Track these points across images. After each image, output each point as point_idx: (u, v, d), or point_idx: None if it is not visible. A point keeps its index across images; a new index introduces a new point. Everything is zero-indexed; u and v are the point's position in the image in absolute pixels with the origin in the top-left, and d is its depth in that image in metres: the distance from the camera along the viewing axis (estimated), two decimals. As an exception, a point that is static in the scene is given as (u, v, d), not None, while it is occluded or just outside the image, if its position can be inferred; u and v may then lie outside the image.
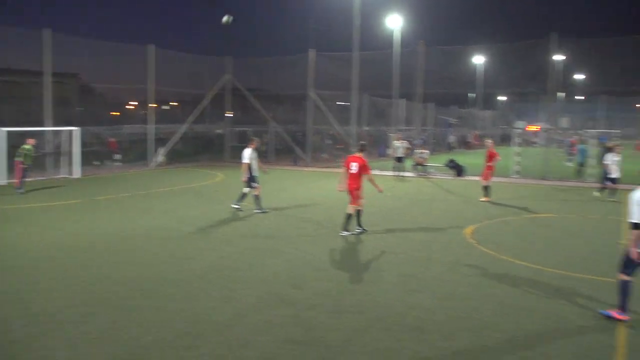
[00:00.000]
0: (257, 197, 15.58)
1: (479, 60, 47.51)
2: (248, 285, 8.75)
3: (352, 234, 12.72)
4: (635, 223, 7.18)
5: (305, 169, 29.59)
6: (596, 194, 19.90)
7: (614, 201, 18.39)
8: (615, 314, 7.39)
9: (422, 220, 14.90)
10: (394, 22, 32.84)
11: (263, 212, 15.30)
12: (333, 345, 6.54)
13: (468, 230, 13.53)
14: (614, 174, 18.88)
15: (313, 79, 32.35)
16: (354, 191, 12.63)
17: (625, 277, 7.40)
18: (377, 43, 37.99)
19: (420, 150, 28.47)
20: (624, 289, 7.39)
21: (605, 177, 19.36)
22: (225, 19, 24.12)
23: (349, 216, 12.77)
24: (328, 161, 32.95)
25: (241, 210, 15.52)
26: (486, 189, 18.59)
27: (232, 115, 36.68)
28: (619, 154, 19.21)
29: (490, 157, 18.73)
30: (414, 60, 31.98)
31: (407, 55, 33.14)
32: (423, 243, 12.03)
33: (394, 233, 12.99)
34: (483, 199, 18.41)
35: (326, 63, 32.85)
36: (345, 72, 30.99)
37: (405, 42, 33.66)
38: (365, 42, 34.23)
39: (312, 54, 32.20)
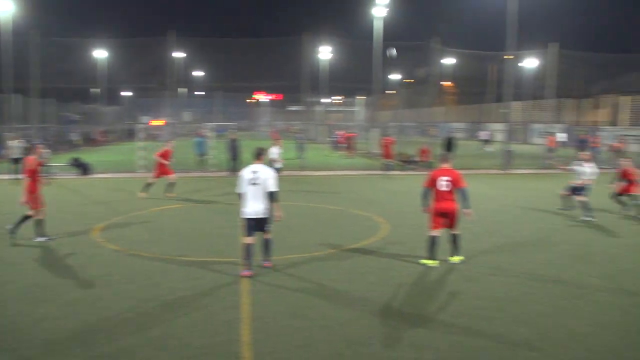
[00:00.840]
0: None
1: (100, 54, 46.56)
2: None
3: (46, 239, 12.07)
4: (238, 193, 9.56)
5: None
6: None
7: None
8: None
9: (47, 224, 13.97)
10: (3, 7, 29.84)
11: None
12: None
13: (96, 230, 13.43)
14: (278, 164, 20.78)
15: None
16: (28, 195, 12.00)
17: (246, 240, 9.45)
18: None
19: (40, 150, 26.59)
20: (245, 250, 9.45)
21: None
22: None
23: (38, 222, 12.08)
24: None
25: None
26: (171, 185, 19.02)
27: None
28: (281, 147, 21.64)
29: (165, 155, 19.15)
30: (28, 51, 29.69)
31: (20, 46, 30.60)
32: (50, 249, 11.51)
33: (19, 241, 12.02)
34: (171, 194, 18.78)
35: None
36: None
37: (17, 30, 30.96)
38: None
39: None
